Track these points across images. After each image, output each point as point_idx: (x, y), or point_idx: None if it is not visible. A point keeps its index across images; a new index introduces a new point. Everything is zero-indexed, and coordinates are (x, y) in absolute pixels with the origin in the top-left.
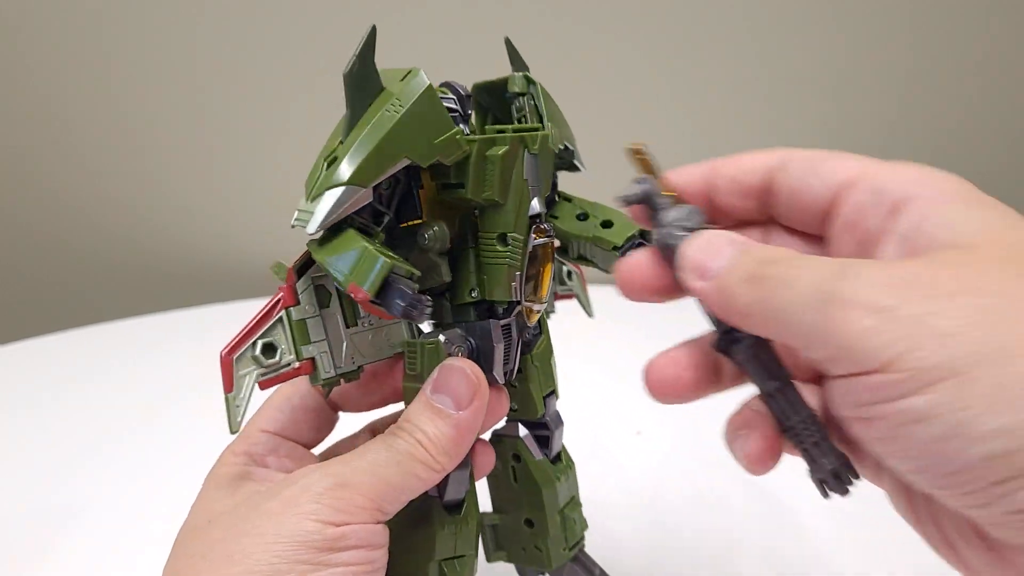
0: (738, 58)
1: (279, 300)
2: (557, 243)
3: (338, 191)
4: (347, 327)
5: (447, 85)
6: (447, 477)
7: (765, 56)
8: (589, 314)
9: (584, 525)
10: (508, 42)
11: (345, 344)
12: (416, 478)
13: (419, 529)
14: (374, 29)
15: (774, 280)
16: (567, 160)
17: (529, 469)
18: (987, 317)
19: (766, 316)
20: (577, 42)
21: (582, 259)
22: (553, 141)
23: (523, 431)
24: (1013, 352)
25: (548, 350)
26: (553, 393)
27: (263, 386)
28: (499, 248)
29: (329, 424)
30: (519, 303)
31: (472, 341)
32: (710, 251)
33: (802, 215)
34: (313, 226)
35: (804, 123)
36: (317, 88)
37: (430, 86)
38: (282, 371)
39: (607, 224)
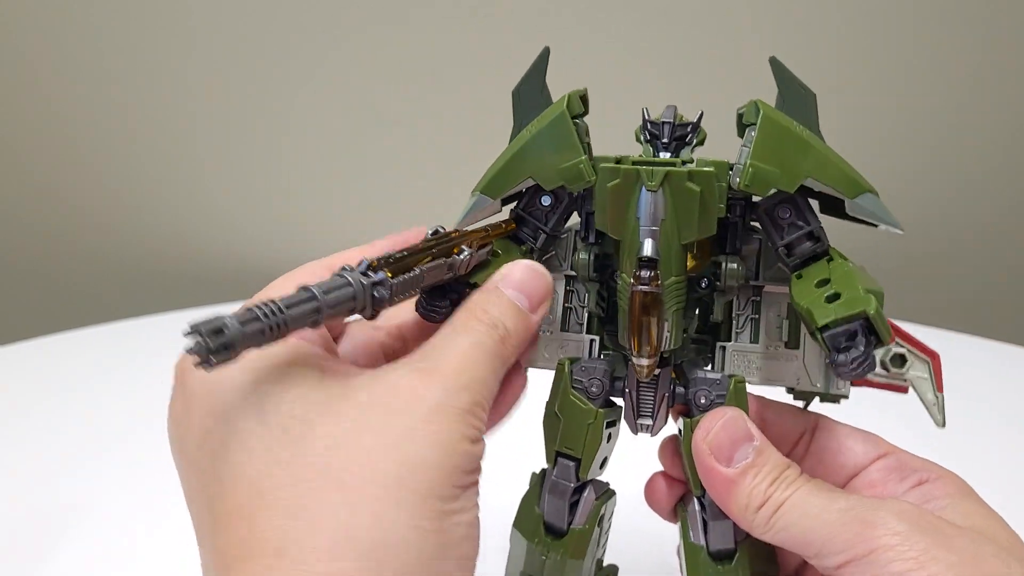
0: (741, 59)
1: None
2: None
3: None
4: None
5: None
6: (547, 491)
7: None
8: (936, 420)
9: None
10: (774, 62)
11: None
12: (498, 378)
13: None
14: (546, 51)
15: (796, 506)
16: (841, 208)
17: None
18: (975, 561)
19: (784, 531)
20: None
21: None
22: (714, 178)
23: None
24: None
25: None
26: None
27: None
28: (619, 288)
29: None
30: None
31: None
32: (734, 435)
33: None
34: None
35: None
36: (320, 88)
37: (563, 112)
38: None
39: (833, 297)
